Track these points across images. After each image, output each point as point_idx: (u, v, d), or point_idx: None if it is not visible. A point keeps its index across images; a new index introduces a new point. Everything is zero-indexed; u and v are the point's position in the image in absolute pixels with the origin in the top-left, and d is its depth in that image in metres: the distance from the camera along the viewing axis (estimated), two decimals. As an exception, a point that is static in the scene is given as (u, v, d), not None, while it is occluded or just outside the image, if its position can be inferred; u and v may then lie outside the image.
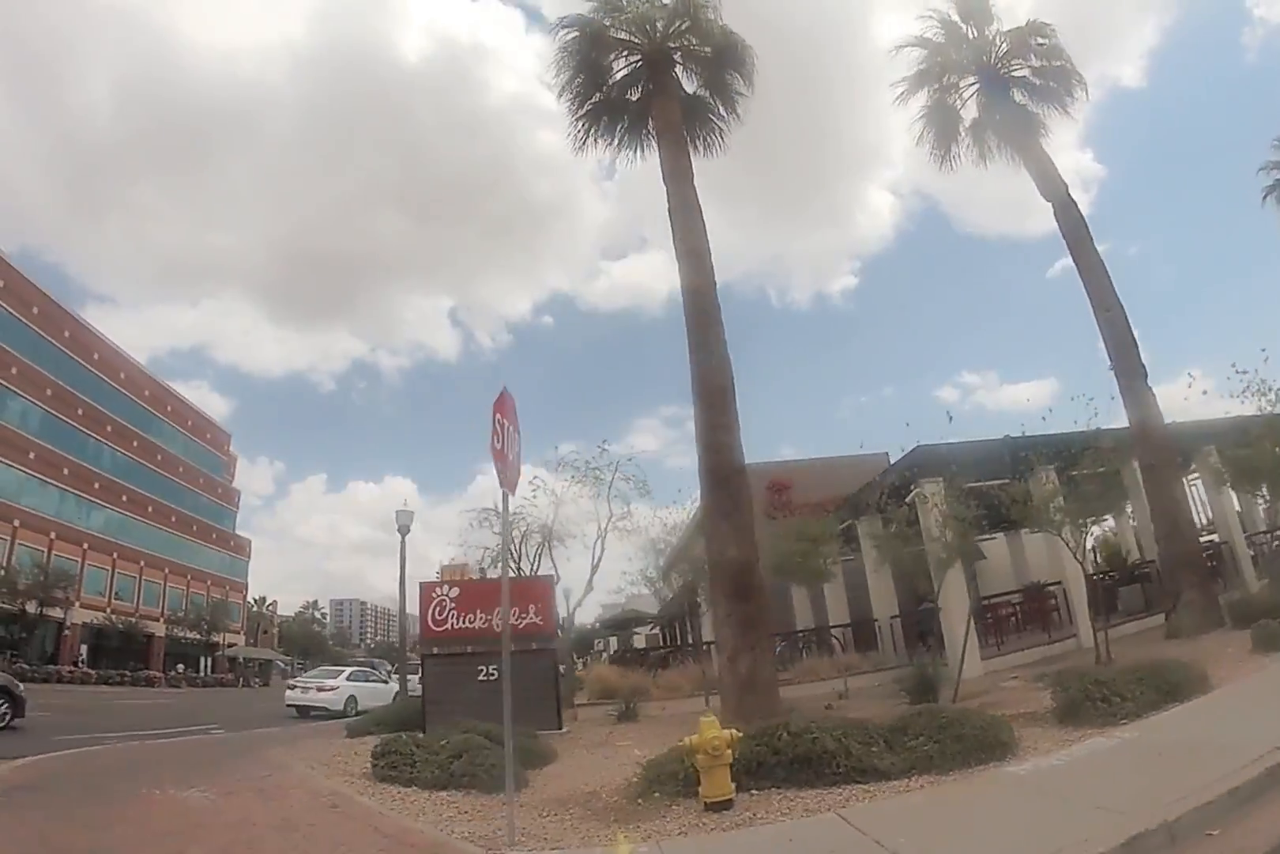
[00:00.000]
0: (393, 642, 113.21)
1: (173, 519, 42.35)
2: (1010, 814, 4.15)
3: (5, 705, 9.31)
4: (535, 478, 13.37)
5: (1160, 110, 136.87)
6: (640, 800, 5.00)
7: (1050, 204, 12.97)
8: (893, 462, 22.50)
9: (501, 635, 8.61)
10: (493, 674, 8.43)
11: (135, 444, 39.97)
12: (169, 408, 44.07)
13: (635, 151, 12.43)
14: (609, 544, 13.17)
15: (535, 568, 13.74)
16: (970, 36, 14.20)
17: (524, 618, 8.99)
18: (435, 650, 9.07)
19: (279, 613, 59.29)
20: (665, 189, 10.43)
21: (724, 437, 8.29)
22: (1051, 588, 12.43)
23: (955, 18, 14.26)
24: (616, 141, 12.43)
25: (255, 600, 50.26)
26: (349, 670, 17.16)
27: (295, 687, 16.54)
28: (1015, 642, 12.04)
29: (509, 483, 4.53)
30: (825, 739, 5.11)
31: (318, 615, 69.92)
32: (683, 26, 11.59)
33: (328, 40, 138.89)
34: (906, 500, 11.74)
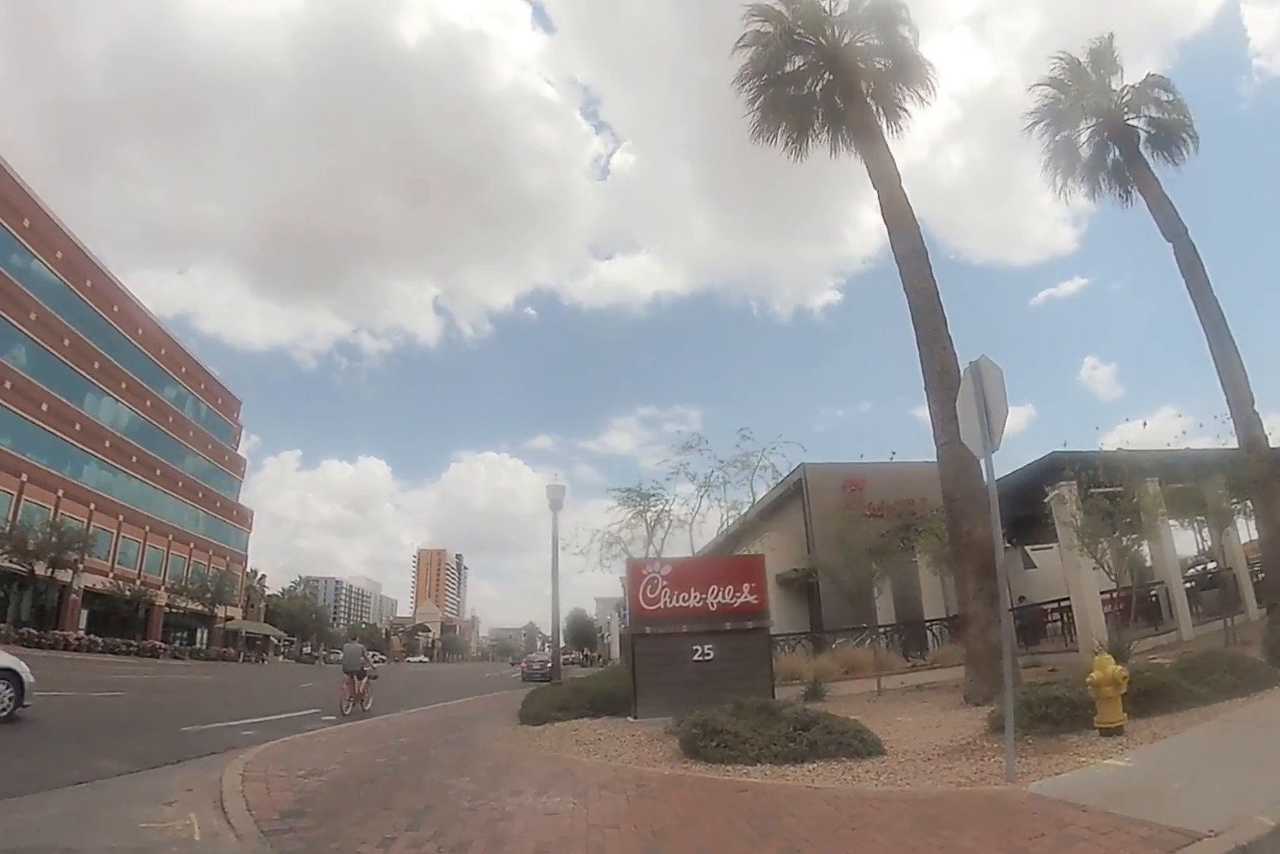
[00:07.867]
0: (370, 623, 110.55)
1: (179, 484, 40.77)
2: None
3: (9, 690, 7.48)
4: (669, 460, 13.85)
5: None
6: (1029, 740, 5.46)
7: (1170, 244, 14.31)
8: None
9: (722, 613, 8.90)
10: (708, 654, 8.33)
11: (149, 404, 38.35)
12: (183, 369, 42.38)
13: (799, 147, 12.60)
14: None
15: (660, 550, 14.24)
16: (1096, 82, 15.53)
17: (739, 596, 8.72)
18: (647, 630, 8.68)
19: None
20: (876, 193, 11.08)
21: (962, 426, 9.11)
22: (1154, 588, 13.78)
23: (1085, 64, 15.57)
24: (786, 137, 12.81)
25: (249, 573, 48.65)
26: (549, 652, 24.88)
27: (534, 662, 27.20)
28: (1124, 635, 13.24)
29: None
30: (1155, 675, 6.14)
31: (308, 592, 67.97)
32: (869, 36, 12.28)
33: (327, 17, 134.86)
34: (1045, 501, 12.91)
